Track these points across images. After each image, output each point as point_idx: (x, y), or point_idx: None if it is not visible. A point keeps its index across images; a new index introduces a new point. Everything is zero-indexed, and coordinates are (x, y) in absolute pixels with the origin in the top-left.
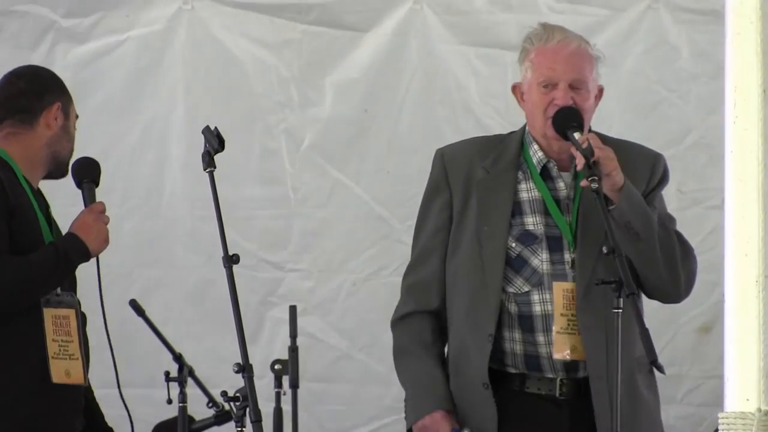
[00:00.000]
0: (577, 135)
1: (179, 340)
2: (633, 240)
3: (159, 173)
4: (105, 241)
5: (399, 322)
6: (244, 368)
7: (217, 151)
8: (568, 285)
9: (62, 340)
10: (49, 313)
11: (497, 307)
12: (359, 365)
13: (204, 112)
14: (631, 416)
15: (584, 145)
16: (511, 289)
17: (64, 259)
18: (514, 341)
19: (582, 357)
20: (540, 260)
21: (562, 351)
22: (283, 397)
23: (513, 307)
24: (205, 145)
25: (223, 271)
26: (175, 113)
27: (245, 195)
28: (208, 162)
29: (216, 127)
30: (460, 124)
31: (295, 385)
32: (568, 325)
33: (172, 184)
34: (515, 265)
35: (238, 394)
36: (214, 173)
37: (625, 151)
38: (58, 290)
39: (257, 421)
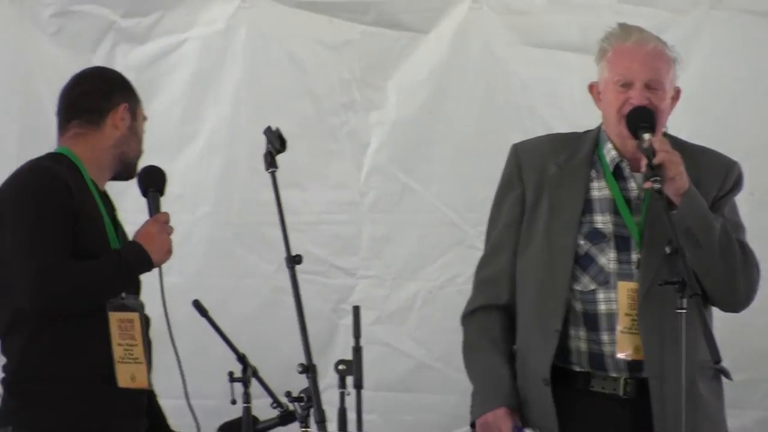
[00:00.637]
0: (647, 136)
1: (254, 351)
2: (692, 246)
3: (227, 178)
4: (168, 252)
5: (469, 316)
6: (308, 368)
7: (278, 152)
8: (632, 285)
9: (127, 344)
10: (114, 317)
11: (564, 303)
12: (437, 374)
13: (266, 114)
14: (690, 417)
15: (646, 146)
16: (577, 287)
17: (126, 268)
18: (579, 339)
19: (642, 357)
20: (607, 259)
21: (624, 350)
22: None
23: (579, 305)
24: (267, 146)
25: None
26: (238, 115)
27: (312, 199)
28: (270, 162)
29: (278, 128)
30: (526, 126)
31: (359, 386)
32: (632, 325)
33: (240, 190)
34: (583, 262)
35: (302, 395)
36: (278, 175)
37: (700, 156)
38: (123, 293)
39: (321, 421)
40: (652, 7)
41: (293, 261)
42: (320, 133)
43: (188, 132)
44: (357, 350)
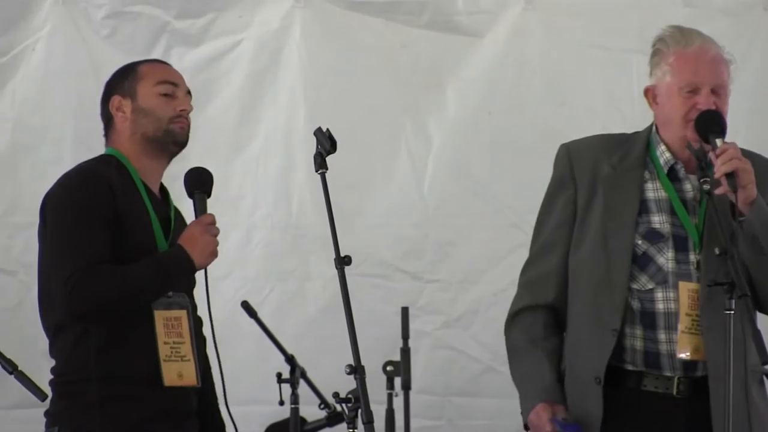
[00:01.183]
0: (719, 141)
1: (316, 355)
2: (757, 253)
3: (285, 181)
4: (212, 255)
5: (513, 319)
6: (356, 369)
7: (329, 153)
8: (693, 285)
9: (174, 342)
10: (159, 316)
11: (623, 303)
12: (503, 379)
13: (323, 116)
14: (744, 420)
15: (713, 152)
16: (635, 286)
17: (165, 272)
18: (635, 337)
19: (702, 357)
20: (665, 258)
21: (685, 350)
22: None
23: (636, 304)
24: (317, 147)
25: (359, 281)
26: (296, 117)
27: (374, 202)
28: (320, 164)
29: (328, 129)
30: (584, 127)
31: (406, 387)
32: (692, 325)
33: (299, 192)
34: (640, 262)
35: (350, 396)
36: (339, 178)
37: (751, 162)
38: (170, 292)
39: (369, 422)
40: (707, 9)
41: (342, 262)
42: (379, 135)
43: (245, 134)
44: (405, 351)
